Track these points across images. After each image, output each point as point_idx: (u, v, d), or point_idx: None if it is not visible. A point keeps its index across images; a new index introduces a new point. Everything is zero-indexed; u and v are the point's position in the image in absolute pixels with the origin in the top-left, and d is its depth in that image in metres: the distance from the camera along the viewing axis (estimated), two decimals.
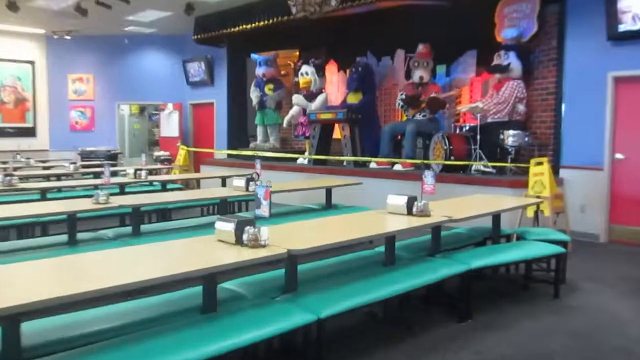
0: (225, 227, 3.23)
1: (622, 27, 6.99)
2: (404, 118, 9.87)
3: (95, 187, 6.56)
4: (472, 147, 8.26)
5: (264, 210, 3.25)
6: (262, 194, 3.26)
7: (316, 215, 6.06)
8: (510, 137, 7.75)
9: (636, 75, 7.03)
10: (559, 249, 4.76)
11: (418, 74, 9.34)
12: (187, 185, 9.76)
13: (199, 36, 12.28)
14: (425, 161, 8.60)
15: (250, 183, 6.00)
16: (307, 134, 10.92)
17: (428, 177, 4.40)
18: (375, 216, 4.48)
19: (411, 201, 4.32)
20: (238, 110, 13.12)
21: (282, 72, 12.30)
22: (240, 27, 11.08)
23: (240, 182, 6.13)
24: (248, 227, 3.15)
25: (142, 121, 15.70)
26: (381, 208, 4.59)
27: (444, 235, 4.93)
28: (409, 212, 4.29)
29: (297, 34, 11.30)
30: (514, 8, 8.51)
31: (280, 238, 3.34)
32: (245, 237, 3.13)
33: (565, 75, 7.69)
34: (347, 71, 10.87)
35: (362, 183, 7.68)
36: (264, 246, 3.12)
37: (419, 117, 9.31)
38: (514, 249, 4.75)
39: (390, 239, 4.12)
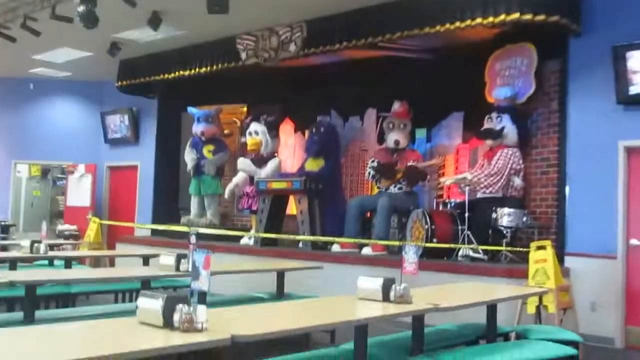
0: (150, 304, 3.09)
1: (633, 90, 7.30)
2: (375, 191, 9.96)
3: None
4: (459, 227, 8.33)
5: (202, 283, 3.10)
6: (202, 262, 3.12)
7: (265, 304, 5.89)
8: (505, 217, 7.86)
9: None
10: (570, 351, 4.71)
11: (393, 138, 9.48)
12: (97, 265, 9.46)
13: (123, 83, 12.33)
14: (402, 242, 8.58)
15: (183, 261, 5.83)
16: (254, 208, 10.85)
17: (409, 253, 4.35)
18: (342, 302, 4.37)
19: (388, 284, 4.24)
20: (168, 176, 13.03)
21: (226, 131, 12.35)
22: (176, 73, 11.18)
23: (169, 260, 5.94)
24: (181, 306, 3.01)
25: (44, 186, 15.36)
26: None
27: (428, 331, 4.82)
28: (385, 297, 4.20)
29: (246, 85, 11.46)
30: (508, 64, 8.85)
31: (222, 322, 3.20)
32: (176, 317, 2.99)
33: (568, 145, 7.91)
34: (306, 132, 11.03)
35: (322, 268, 7.58)
36: (200, 330, 2.98)
37: (393, 189, 9.39)
38: (514, 350, 4.65)
39: (361, 331, 3.99)
